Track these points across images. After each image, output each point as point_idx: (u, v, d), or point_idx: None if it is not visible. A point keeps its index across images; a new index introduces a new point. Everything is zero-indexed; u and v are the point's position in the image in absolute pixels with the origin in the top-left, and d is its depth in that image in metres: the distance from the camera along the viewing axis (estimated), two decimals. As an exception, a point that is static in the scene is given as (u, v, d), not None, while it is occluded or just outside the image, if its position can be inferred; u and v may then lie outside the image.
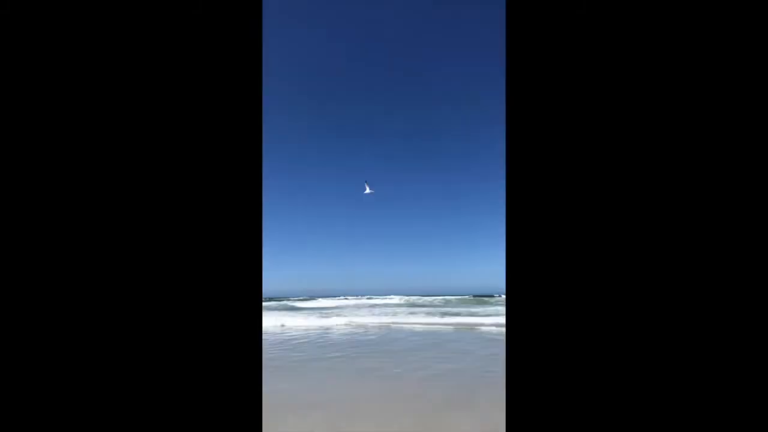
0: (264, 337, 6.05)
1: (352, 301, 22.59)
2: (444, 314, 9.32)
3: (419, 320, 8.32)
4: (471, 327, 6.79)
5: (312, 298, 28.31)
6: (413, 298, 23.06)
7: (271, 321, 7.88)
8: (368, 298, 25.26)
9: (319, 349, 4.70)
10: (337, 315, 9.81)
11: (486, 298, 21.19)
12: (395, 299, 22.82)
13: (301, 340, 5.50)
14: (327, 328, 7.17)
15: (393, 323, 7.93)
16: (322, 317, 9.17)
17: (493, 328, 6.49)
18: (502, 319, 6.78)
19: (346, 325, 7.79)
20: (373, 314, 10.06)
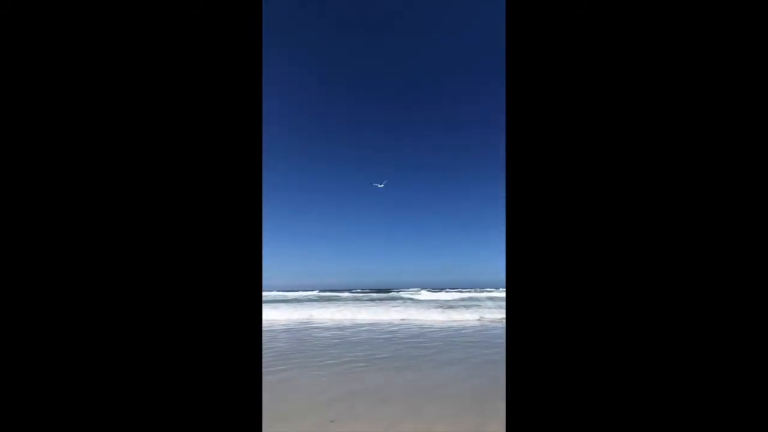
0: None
1: (469, 293, 20.99)
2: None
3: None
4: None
5: (421, 289, 27.38)
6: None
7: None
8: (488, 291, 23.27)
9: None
10: (460, 309, 9.27)
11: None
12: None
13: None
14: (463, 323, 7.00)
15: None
16: (454, 311, 8.67)
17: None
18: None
19: (479, 320, 7.43)
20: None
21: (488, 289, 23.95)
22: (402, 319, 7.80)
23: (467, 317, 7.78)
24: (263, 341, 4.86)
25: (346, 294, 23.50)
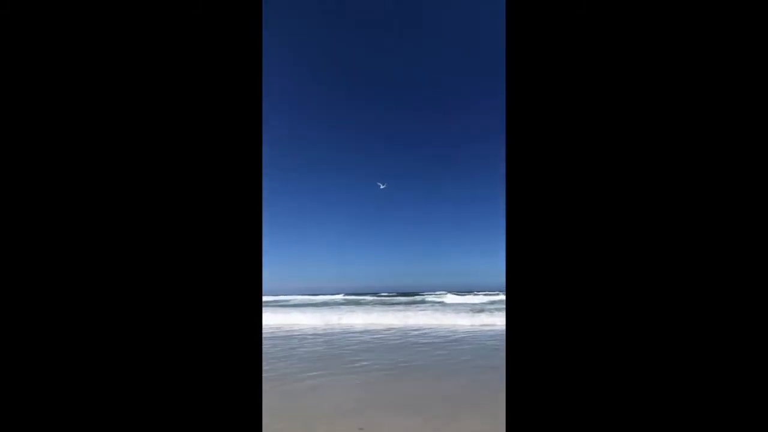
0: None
1: (497, 296, 19.55)
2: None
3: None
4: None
5: (447, 292, 26.48)
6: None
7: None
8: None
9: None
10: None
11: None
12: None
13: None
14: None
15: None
16: (485, 315, 8.15)
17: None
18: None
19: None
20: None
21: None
22: (432, 324, 7.63)
23: (497, 321, 7.47)
24: (293, 346, 4.92)
25: (371, 297, 23.51)
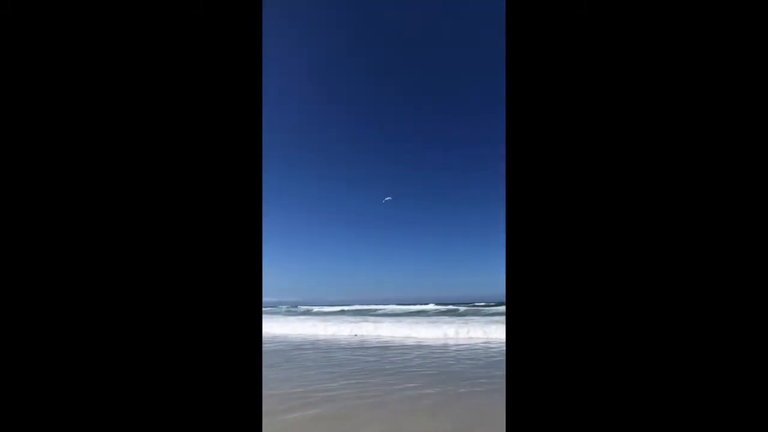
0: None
1: None
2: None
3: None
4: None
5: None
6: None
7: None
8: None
9: None
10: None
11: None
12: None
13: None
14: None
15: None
16: None
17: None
18: None
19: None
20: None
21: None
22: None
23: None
24: (410, 363, 4.72)
25: (465, 308, 22.24)
